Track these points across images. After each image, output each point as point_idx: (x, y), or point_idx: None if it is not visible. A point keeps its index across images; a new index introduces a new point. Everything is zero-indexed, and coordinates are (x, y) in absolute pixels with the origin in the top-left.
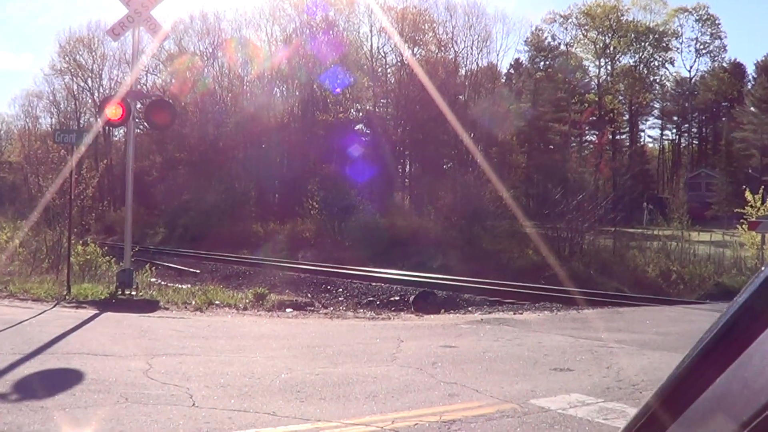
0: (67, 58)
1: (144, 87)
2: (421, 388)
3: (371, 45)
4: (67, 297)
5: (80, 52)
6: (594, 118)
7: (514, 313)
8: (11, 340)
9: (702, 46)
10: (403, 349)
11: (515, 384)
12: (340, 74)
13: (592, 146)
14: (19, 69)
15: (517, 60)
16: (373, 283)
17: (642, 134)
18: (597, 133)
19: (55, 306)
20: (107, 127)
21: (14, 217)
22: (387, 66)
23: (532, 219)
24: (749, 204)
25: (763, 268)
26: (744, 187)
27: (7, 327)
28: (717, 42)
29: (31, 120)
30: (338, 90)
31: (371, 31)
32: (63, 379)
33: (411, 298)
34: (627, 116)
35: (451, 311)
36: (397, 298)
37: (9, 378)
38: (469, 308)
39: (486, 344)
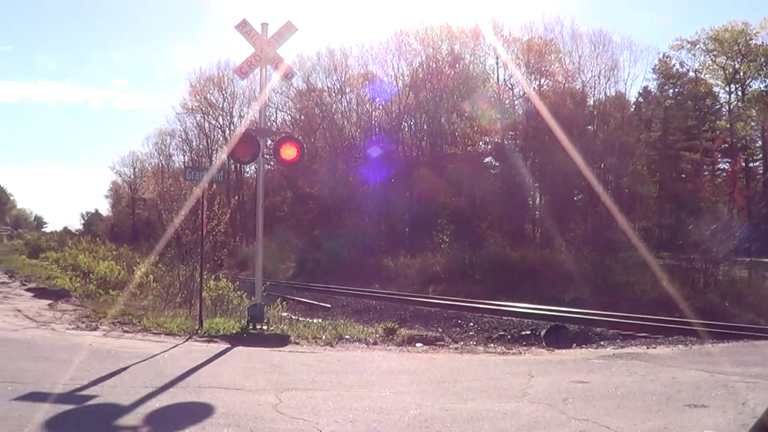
0: (198, 97)
1: (273, 124)
2: (552, 425)
3: (498, 77)
4: (199, 331)
5: (210, 91)
6: (726, 145)
7: (647, 348)
8: (144, 374)
9: None
10: (534, 385)
11: (648, 421)
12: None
13: (725, 174)
14: (153, 108)
15: (645, 88)
16: (504, 317)
17: None
18: (729, 160)
19: (187, 340)
20: (238, 164)
21: (148, 253)
22: (514, 98)
23: (665, 250)
24: None
25: None
26: None
27: (140, 360)
28: None
29: (164, 158)
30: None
31: (497, 63)
32: (193, 413)
33: (542, 332)
34: (760, 143)
35: (583, 345)
36: (528, 332)
37: (140, 411)
38: (602, 342)
39: (618, 380)
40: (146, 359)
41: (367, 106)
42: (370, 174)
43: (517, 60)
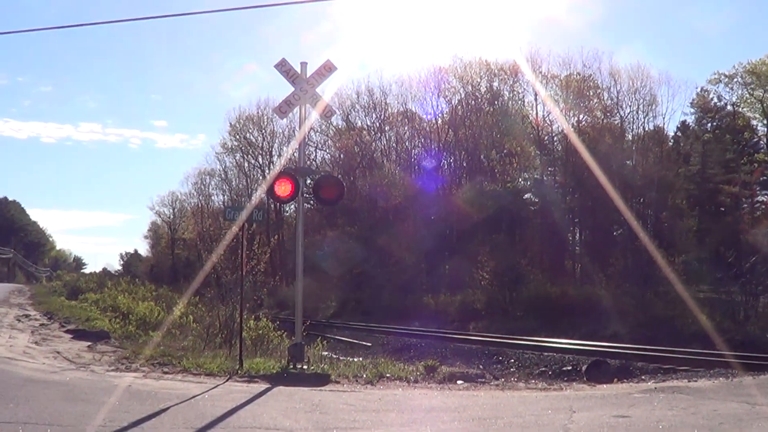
0: (237, 136)
1: (313, 162)
2: None
3: (536, 113)
4: (239, 371)
5: (250, 130)
6: (765, 178)
7: (689, 381)
8: (184, 415)
9: None
10: (575, 420)
11: None
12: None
13: (764, 207)
14: (194, 148)
15: (683, 122)
16: (545, 353)
17: None
18: None
19: (227, 381)
20: (277, 204)
21: (189, 293)
22: (553, 134)
23: (705, 283)
24: None
25: None
26: None
27: (181, 401)
28: None
29: (203, 198)
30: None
31: (536, 99)
32: None
33: (583, 368)
34: None
35: (624, 380)
36: (569, 367)
37: None
38: (643, 377)
39: (660, 413)
40: (186, 400)
41: (407, 143)
42: (410, 212)
43: (556, 96)
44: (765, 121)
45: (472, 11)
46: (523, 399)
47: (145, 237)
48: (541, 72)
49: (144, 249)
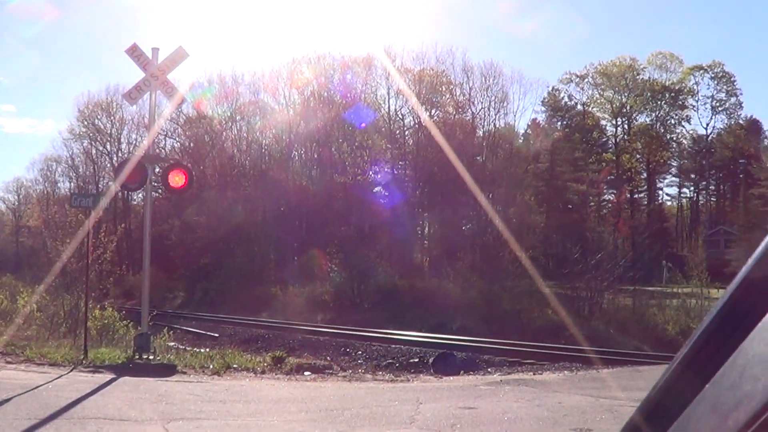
0: (85, 123)
1: (162, 151)
2: None
3: (389, 107)
4: (84, 361)
5: (99, 117)
6: (612, 177)
7: (534, 374)
8: (27, 405)
9: (718, 104)
10: (422, 411)
11: None
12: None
13: (610, 205)
14: (42, 134)
15: (534, 120)
16: (393, 345)
17: (660, 192)
18: (615, 192)
19: (71, 371)
20: (125, 191)
21: (32, 282)
22: (405, 128)
23: (551, 279)
24: None
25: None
26: None
27: (24, 392)
28: (733, 99)
29: (49, 184)
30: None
31: (389, 93)
32: None
33: (430, 360)
34: (645, 175)
35: (471, 372)
36: (416, 359)
37: None
38: (489, 369)
39: (505, 405)
40: (29, 390)
41: (258, 134)
42: (260, 203)
43: (409, 91)
44: (614, 121)
45: (328, 6)
46: (370, 390)
47: None
48: (395, 66)
49: None
